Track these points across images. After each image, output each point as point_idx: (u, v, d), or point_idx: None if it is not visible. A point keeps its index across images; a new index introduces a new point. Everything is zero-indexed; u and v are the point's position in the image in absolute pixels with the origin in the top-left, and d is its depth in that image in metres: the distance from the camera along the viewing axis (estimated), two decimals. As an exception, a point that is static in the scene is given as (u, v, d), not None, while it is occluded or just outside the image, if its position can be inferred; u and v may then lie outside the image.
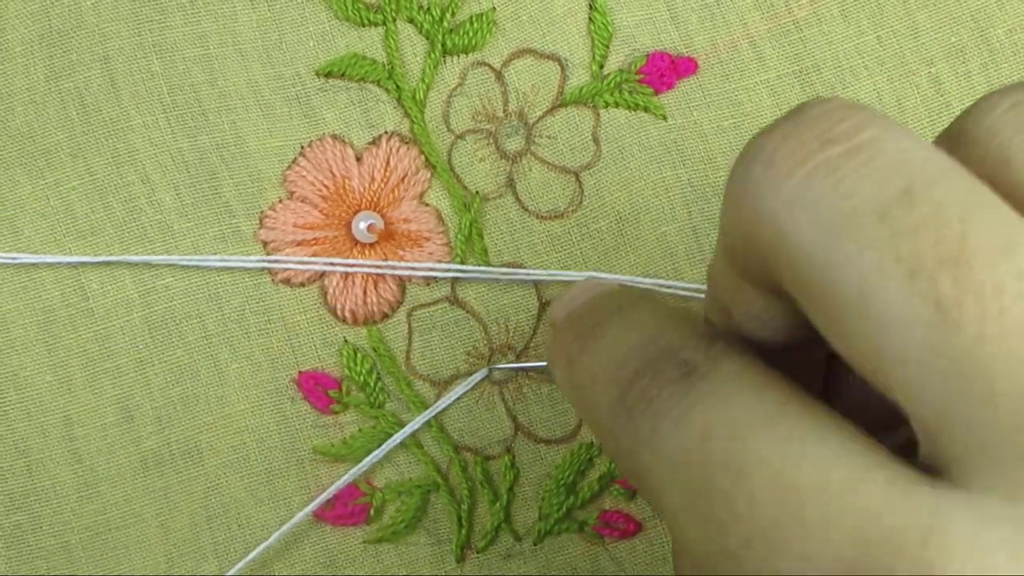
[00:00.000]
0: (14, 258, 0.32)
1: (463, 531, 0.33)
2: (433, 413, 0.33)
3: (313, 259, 0.33)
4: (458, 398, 0.33)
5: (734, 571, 0.20)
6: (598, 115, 0.33)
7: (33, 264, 0.33)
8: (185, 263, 0.33)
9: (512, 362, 0.33)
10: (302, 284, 0.33)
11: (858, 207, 0.18)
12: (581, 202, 0.33)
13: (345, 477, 0.33)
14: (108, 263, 0.33)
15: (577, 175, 0.33)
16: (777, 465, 0.19)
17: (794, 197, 0.19)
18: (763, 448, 0.19)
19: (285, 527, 0.32)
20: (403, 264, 0.33)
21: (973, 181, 0.19)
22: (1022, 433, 0.18)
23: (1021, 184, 0.20)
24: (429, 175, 0.33)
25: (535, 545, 0.33)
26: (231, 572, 0.32)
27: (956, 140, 0.21)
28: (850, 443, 0.19)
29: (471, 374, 0.33)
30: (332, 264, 0.33)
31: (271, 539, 0.32)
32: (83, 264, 0.33)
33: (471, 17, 0.33)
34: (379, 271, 0.33)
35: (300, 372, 0.33)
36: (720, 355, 0.21)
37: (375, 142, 0.33)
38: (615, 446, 0.22)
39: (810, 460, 0.19)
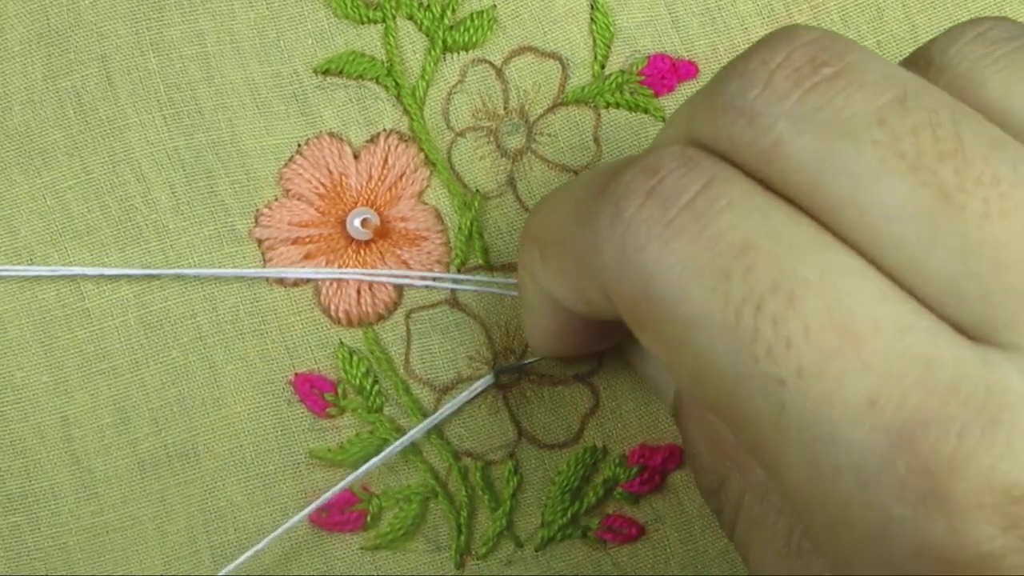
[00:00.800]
0: (22, 270, 0.32)
1: (462, 537, 0.33)
2: (437, 420, 0.33)
3: (307, 270, 0.33)
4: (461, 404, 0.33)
5: (781, 397, 0.20)
6: (599, 115, 0.33)
7: (29, 264, 0.33)
8: (187, 274, 0.33)
9: (516, 363, 0.33)
10: (295, 284, 0.33)
11: (856, 116, 0.20)
12: (582, 202, 0.33)
13: (342, 483, 0.32)
14: (103, 260, 0.33)
15: (578, 175, 0.33)
16: (832, 293, 0.19)
17: (794, 112, 0.20)
18: (813, 272, 0.20)
19: (278, 531, 0.32)
20: (398, 272, 0.32)
21: (949, 95, 0.21)
22: None
23: (991, 104, 0.21)
24: (428, 173, 0.33)
25: (537, 552, 0.33)
26: (222, 573, 0.32)
27: (923, 68, 0.22)
28: (890, 286, 0.20)
29: (472, 379, 0.33)
30: (330, 271, 0.32)
31: (262, 543, 0.32)
32: (80, 265, 0.33)
33: (472, 14, 0.33)
34: (371, 278, 0.32)
35: (296, 374, 0.33)
36: (730, 170, 0.21)
37: (373, 140, 0.33)
38: (616, 264, 0.22)
39: (862, 295, 0.20)
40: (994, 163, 0.19)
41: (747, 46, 0.32)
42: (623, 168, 0.22)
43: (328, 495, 0.32)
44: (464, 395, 0.33)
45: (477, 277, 0.33)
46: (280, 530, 0.32)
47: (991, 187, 0.19)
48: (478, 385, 0.33)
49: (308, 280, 0.33)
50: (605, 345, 0.31)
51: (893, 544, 0.19)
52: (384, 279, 0.32)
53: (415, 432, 0.32)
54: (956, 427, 0.19)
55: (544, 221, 0.25)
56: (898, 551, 0.20)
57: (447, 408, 0.33)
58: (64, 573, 0.33)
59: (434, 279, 0.33)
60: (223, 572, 0.32)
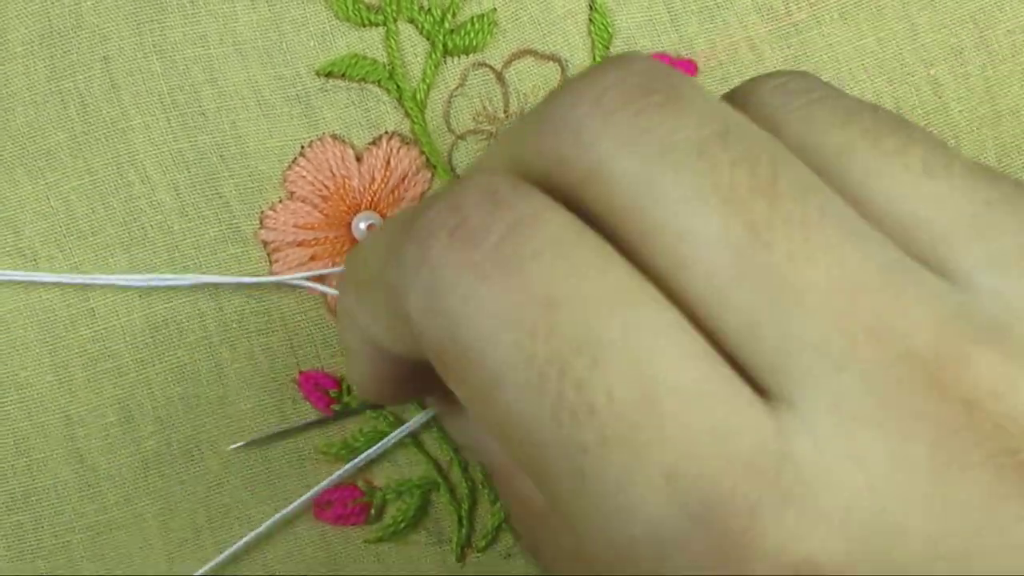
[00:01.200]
0: (24, 276, 0.32)
1: (463, 530, 0.33)
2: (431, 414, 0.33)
3: (314, 284, 0.33)
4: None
5: (582, 465, 0.19)
6: (598, 116, 0.33)
7: (34, 265, 0.33)
8: (201, 283, 0.33)
9: None
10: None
11: (679, 143, 0.20)
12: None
13: (347, 466, 0.33)
14: (108, 262, 0.33)
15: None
16: (636, 356, 0.19)
17: (619, 133, 0.20)
18: (620, 331, 0.19)
19: (277, 516, 0.32)
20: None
21: (774, 138, 0.20)
22: (829, 347, 0.19)
23: (804, 137, 0.21)
24: (430, 176, 0.33)
25: (536, 544, 0.34)
26: (215, 562, 0.32)
27: (737, 99, 0.22)
28: (697, 341, 0.19)
29: None
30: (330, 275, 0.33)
31: (263, 527, 0.32)
32: (84, 266, 0.33)
33: (472, 18, 0.33)
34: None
35: (300, 372, 0.33)
36: (542, 202, 0.20)
37: (375, 142, 0.33)
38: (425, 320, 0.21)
39: (669, 355, 0.19)
40: (805, 204, 0.19)
41: (746, 44, 0.33)
42: (429, 203, 0.21)
43: (335, 477, 0.32)
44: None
45: None
46: (283, 513, 0.32)
47: (799, 228, 0.19)
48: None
49: (313, 281, 0.33)
50: (431, 393, 0.30)
51: None
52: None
53: (414, 422, 0.33)
54: (749, 504, 0.18)
55: (361, 259, 0.24)
56: None
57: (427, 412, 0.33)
58: (68, 571, 0.33)
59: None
60: (223, 555, 0.32)
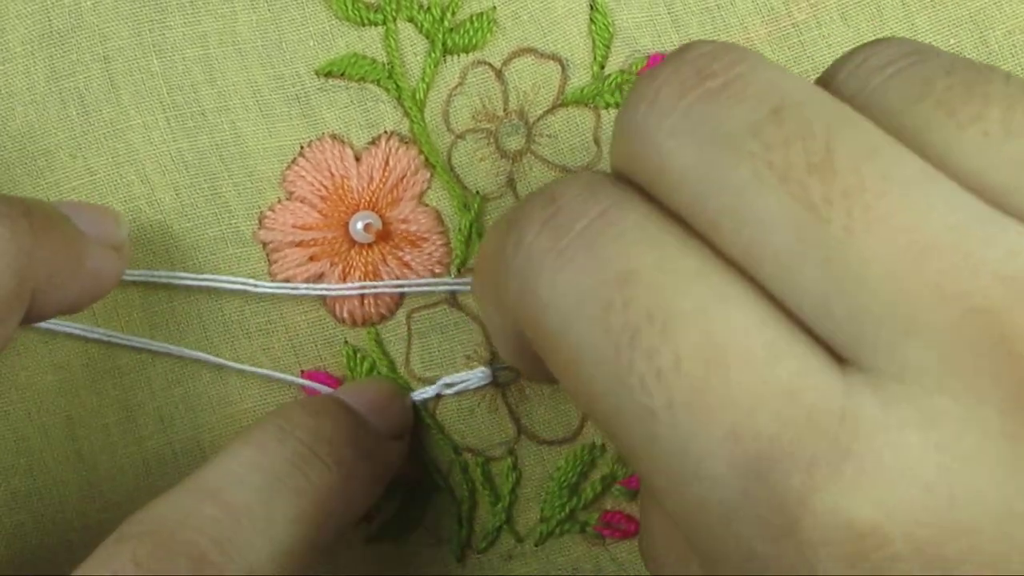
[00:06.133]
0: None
1: (463, 531, 0.33)
2: (434, 392, 0.33)
3: (318, 286, 0.33)
4: (460, 398, 0.33)
5: (653, 429, 0.20)
6: (599, 116, 0.33)
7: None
8: (201, 286, 0.33)
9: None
10: (302, 285, 0.33)
11: (733, 128, 0.20)
12: (581, 202, 0.33)
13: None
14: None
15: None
16: (705, 324, 0.19)
17: (676, 127, 0.20)
18: (691, 302, 0.20)
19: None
20: (398, 282, 0.33)
21: (837, 102, 0.20)
22: (894, 314, 0.19)
23: (884, 116, 0.21)
24: (429, 175, 0.33)
25: (536, 546, 0.34)
26: None
27: (825, 82, 0.22)
28: (769, 311, 0.20)
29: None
30: (331, 287, 0.33)
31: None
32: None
33: (472, 16, 0.33)
34: (376, 291, 0.33)
35: (302, 372, 0.33)
36: (628, 195, 0.21)
37: (374, 142, 0.33)
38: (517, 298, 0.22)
39: (737, 323, 0.19)
40: (863, 173, 0.19)
41: (746, 45, 0.33)
42: (530, 196, 0.22)
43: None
44: (459, 378, 0.33)
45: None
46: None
47: (856, 198, 0.19)
48: (473, 375, 0.33)
49: (313, 281, 0.33)
50: None
51: None
52: (384, 290, 0.33)
53: (422, 393, 0.33)
54: (806, 461, 0.19)
55: (481, 249, 0.25)
56: None
57: (432, 389, 0.33)
58: (69, 571, 0.33)
59: (433, 284, 0.33)
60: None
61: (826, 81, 0.22)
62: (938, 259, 0.19)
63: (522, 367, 0.27)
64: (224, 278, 0.33)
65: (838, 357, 0.20)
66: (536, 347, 0.22)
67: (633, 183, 0.22)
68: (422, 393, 0.33)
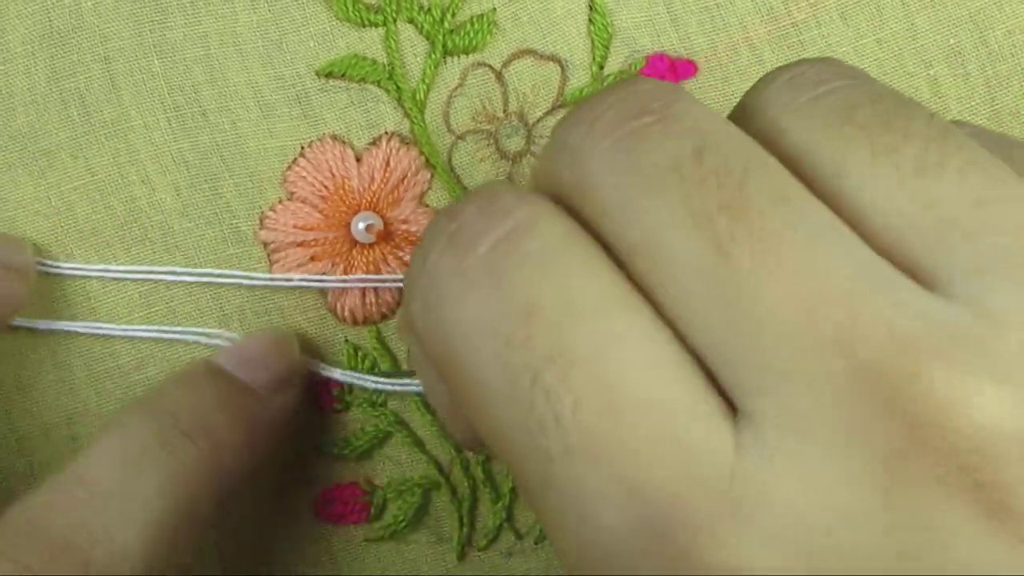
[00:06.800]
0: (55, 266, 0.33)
1: (464, 529, 0.34)
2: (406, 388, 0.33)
3: (319, 277, 0.33)
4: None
5: (549, 472, 0.20)
6: (598, 116, 0.33)
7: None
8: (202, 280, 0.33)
9: None
10: (302, 285, 0.33)
11: (657, 163, 0.20)
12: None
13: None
14: (107, 258, 0.33)
15: None
16: (602, 369, 0.19)
17: (606, 153, 0.21)
18: (590, 344, 0.19)
19: None
20: (396, 277, 0.33)
21: (755, 145, 0.20)
22: (780, 358, 0.19)
23: (790, 151, 0.21)
24: (429, 176, 0.33)
25: (536, 544, 0.34)
26: None
27: (740, 114, 0.22)
28: (669, 350, 0.20)
29: None
30: (334, 280, 0.33)
31: None
32: (89, 263, 0.33)
33: (472, 18, 0.33)
34: (378, 285, 0.33)
35: (302, 371, 0.33)
36: (539, 209, 0.21)
37: (375, 143, 0.33)
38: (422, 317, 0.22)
39: (634, 368, 0.19)
40: (770, 216, 0.19)
41: (745, 45, 0.33)
42: (438, 211, 0.22)
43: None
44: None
45: None
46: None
47: (760, 241, 0.19)
48: None
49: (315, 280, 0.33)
50: None
51: None
52: (389, 285, 0.33)
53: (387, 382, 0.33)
54: (699, 519, 0.19)
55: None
56: None
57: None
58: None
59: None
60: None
61: (760, 89, 0.22)
62: (830, 310, 0.19)
63: (470, 441, 0.26)
64: (222, 272, 0.33)
65: (732, 405, 0.20)
66: (440, 372, 0.22)
67: (552, 198, 0.22)
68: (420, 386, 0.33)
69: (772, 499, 0.19)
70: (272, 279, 0.33)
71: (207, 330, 0.33)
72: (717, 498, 0.19)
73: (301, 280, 0.33)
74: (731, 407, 0.20)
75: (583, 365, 0.19)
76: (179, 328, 0.33)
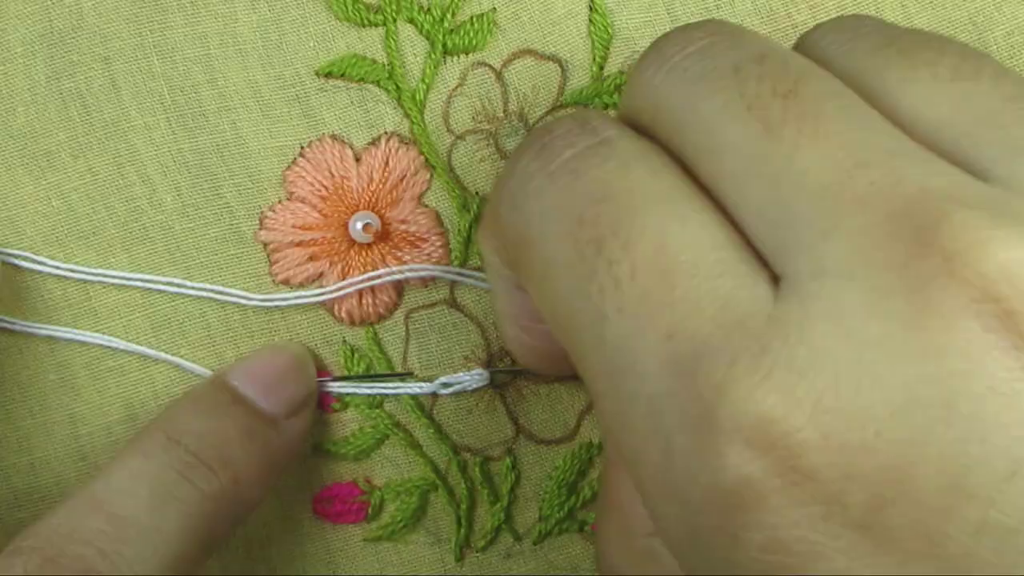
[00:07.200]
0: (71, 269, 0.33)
1: (462, 531, 0.34)
2: (431, 389, 0.33)
3: (314, 292, 0.33)
4: (457, 398, 0.33)
5: (602, 331, 0.21)
6: (598, 116, 0.33)
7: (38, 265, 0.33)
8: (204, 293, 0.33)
9: (510, 366, 0.33)
10: (301, 284, 0.33)
11: (720, 66, 0.22)
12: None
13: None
14: (109, 262, 0.33)
15: None
16: (662, 241, 0.21)
17: (673, 69, 0.23)
18: (654, 221, 0.21)
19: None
20: (398, 268, 0.33)
21: (816, 64, 0.22)
22: (820, 217, 0.20)
23: (838, 74, 0.23)
24: (428, 176, 0.33)
25: (535, 545, 0.34)
26: None
27: (806, 34, 0.25)
28: (724, 234, 0.21)
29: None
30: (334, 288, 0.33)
31: None
32: (85, 266, 0.33)
33: (472, 18, 0.33)
34: (375, 282, 0.33)
35: (301, 372, 0.33)
36: (622, 131, 0.24)
37: (374, 142, 0.33)
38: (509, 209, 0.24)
39: (691, 242, 0.21)
40: (821, 104, 0.21)
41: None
42: (532, 129, 0.25)
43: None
44: (456, 379, 0.33)
45: (476, 274, 0.33)
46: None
47: (809, 120, 0.21)
48: (471, 376, 0.33)
49: (312, 280, 0.33)
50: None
51: (676, 474, 0.20)
52: (386, 279, 0.33)
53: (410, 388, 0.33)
54: (728, 357, 0.20)
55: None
56: (680, 480, 0.20)
57: (429, 386, 0.33)
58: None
59: (432, 271, 0.33)
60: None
61: (808, 35, 0.25)
62: (870, 173, 0.20)
63: (518, 346, 0.28)
64: (218, 288, 0.33)
65: (776, 277, 0.21)
66: (515, 262, 0.24)
67: (633, 126, 0.24)
68: (418, 387, 0.33)
69: (804, 336, 0.19)
70: (267, 299, 0.33)
71: (184, 362, 0.33)
72: (748, 339, 0.20)
73: (296, 298, 0.33)
74: (774, 280, 0.21)
75: (645, 236, 0.21)
76: (158, 353, 0.33)
